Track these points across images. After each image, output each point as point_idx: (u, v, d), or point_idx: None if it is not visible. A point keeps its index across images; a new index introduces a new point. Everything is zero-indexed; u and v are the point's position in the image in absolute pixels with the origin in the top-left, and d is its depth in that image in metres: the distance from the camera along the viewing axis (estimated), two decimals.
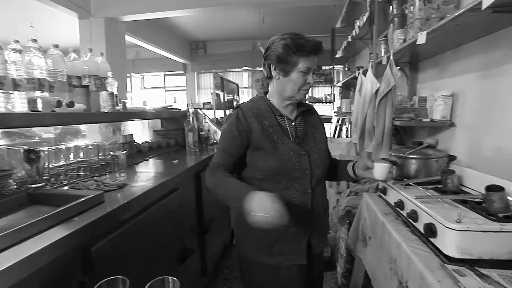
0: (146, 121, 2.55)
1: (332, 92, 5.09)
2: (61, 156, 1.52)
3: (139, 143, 2.15)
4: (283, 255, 0.98)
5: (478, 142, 1.33)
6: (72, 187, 1.13)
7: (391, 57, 1.57)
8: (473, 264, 0.82)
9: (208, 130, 2.45)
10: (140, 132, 2.47)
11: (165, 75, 8.16)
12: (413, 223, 1.06)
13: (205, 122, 2.49)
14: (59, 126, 1.72)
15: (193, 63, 7.55)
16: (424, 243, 0.98)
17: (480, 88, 1.33)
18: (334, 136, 3.87)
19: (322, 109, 6.01)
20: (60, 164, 1.50)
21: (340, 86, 3.73)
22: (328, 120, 4.35)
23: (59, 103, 1.08)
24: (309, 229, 1.01)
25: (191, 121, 2.17)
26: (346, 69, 3.99)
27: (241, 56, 6.99)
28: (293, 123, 1.04)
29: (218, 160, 0.99)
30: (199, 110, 2.54)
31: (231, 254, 2.49)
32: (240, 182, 0.94)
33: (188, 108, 2.21)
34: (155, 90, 8.33)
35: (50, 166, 1.40)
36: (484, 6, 0.81)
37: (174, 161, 1.81)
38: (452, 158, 1.34)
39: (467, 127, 1.42)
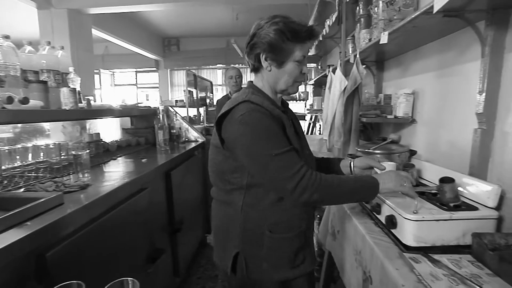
0: (115, 119, 2.45)
1: (306, 90, 5.20)
2: (17, 156, 1.42)
3: (107, 142, 2.06)
4: (305, 262, 0.93)
5: (435, 137, 1.42)
6: (27, 190, 1.06)
7: (358, 56, 1.63)
8: (427, 251, 0.87)
9: (180, 128, 2.41)
10: (109, 130, 2.37)
11: (136, 71, 7.89)
12: (377, 215, 1.11)
13: (176, 119, 2.44)
14: (19, 125, 1.61)
15: (165, 59, 7.36)
16: (386, 234, 1.02)
17: (436, 86, 1.41)
18: (307, 133, 3.95)
19: (296, 107, 6.11)
20: (16, 165, 1.40)
21: (312, 84, 3.81)
22: (302, 117, 4.43)
23: (9, 99, 1.00)
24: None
25: (161, 118, 2.12)
26: (319, 67, 4.08)
27: (215, 53, 6.93)
28: (290, 120, 0.96)
29: (296, 164, 0.79)
30: (170, 108, 2.48)
31: (205, 253, 2.47)
32: (348, 176, 0.93)
33: (158, 106, 2.16)
34: (126, 87, 8.03)
35: (3, 167, 1.30)
36: (435, 9, 0.86)
37: (143, 160, 1.76)
38: (413, 152, 1.42)
39: (426, 123, 1.51)
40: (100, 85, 7.42)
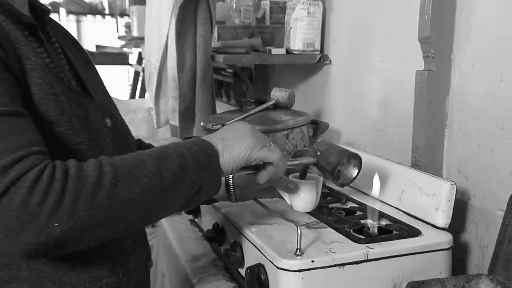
0: None
1: None
2: None
3: None
4: None
5: (359, 92, 1.56)
6: None
7: None
8: None
9: None
10: None
11: None
12: (237, 268, 1.14)
13: None
14: None
15: None
16: None
17: None
18: (133, 96, 4.03)
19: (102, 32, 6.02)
20: None
21: None
22: (124, 60, 4.36)
23: None
24: None
25: None
26: None
27: None
28: (56, 45, 1.03)
29: (14, 145, 0.75)
30: None
31: None
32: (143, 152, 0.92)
33: None
34: None
35: None
36: None
37: None
38: (320, 127, 1.53)
39: (345, 65, 1.64)
40: None
